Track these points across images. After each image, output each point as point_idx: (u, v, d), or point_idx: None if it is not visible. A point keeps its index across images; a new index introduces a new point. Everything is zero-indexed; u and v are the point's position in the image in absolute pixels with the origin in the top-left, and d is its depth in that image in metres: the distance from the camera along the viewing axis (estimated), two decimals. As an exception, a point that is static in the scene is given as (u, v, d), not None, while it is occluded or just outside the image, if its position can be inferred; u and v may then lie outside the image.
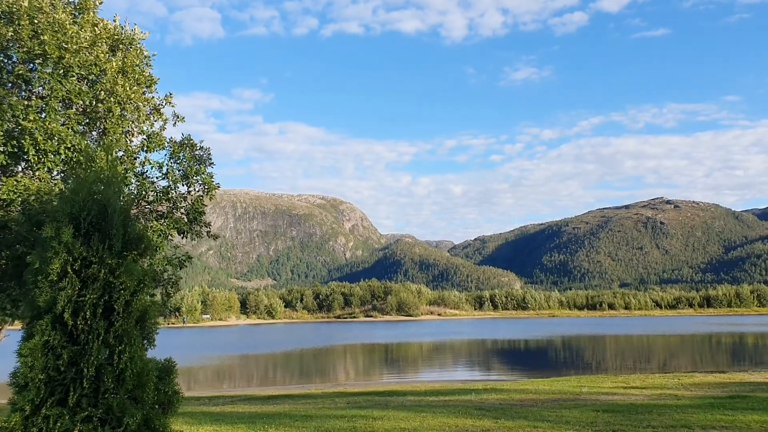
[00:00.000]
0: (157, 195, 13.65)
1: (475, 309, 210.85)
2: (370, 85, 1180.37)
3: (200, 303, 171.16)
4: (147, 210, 13.83)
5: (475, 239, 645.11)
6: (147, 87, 13.67)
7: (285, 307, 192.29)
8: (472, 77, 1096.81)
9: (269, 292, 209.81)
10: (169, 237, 13.71)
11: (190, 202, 14.37)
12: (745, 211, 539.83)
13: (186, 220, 14.31)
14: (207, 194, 14.62)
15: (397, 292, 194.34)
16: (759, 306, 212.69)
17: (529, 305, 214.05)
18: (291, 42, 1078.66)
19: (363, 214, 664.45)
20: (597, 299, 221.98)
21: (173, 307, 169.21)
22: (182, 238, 14.29)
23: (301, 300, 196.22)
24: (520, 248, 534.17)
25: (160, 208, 13.93)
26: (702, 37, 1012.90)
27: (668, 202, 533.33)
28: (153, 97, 13.92)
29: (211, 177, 14.53)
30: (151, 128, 13.99)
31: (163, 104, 14.21)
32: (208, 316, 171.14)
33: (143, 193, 13.14)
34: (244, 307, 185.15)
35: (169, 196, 13.92)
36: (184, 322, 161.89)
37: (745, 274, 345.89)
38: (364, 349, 70.29)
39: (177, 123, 14.44)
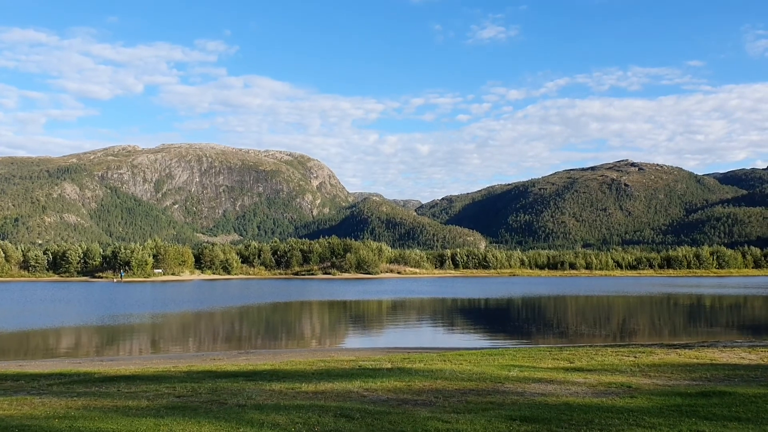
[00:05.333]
0: None
1: (436, 267, 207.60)
2: (336, 40, 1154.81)
3: (151, 257, 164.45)
4: None
5: (442, 199, 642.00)
6: None
7: (242, 262, 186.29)
8: (439, 34, 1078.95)
9: (225, 246, 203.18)
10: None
11: None
12: (707, 174, 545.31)
13: None
14: None
15: (357, 249, 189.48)
16: (718, 268, 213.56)
17: (490, 264, 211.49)
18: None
19: (331, 172, 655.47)
20: (559, 259, 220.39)
21: (123, 260, 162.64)
22: None
23: (259, 256, 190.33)
24: (486, 208, 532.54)
25: None
26: (667, 0, 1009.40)
27: (633, 164, 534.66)
28: None
29: None
30: None
31: None
32: (160, 270, 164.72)
33: None
34: (199, 262, 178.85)
35: None
36: (121, 278, 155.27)
37: (704, 236, 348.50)
38: (305, 306, 65.35)
39: None
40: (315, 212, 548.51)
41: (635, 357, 19.52)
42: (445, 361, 19.75)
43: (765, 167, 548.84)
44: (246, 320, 51.44)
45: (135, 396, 12.79)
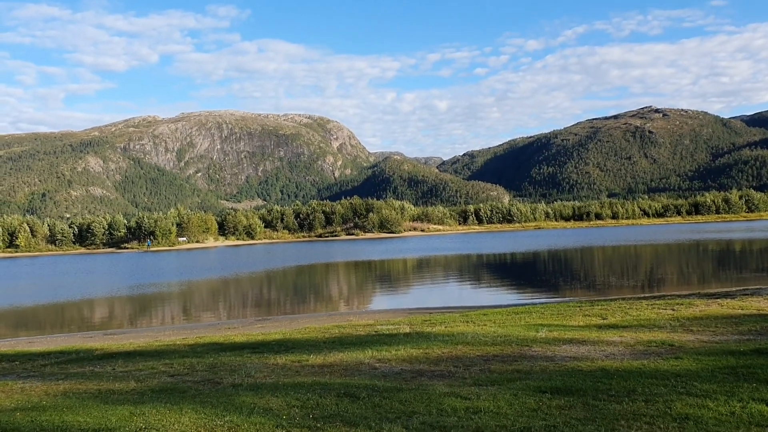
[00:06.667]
0: None
1: (460, 224, 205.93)
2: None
3: (174, 225, 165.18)
4: None
5: (464, 154, 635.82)
6: None
7: (265, 227, 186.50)
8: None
9: (248, 212, 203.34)
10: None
11: None
12: (733, 117, 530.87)
13: None
14: None
15: (379, 208, 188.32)
16: (747, 212, 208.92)
17: (515, 218, 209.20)
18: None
19: (350, 133, 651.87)
20: (584, 210, 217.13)
21: (147, 230, 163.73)
22: None
23: (282, 220, 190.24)
24: (508, 162, 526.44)
25: None
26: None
27: (657, 110, 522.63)
28: None
29: None
30: None
31: None
32: (184, 238, 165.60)
33: None
34: (223, 229, 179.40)
35: None
36: (148, 247, 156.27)
37: (732, 180, 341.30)
38: (327, 268, 64.54)
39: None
40: (337, 174, 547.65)
41: (673, 310, 18.04)
42: (467, 322, 18.47)
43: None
44: (267, 285, 50.73)
45: (126, 377, 11.72)
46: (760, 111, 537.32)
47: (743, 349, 10.91)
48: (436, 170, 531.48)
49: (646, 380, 9.07)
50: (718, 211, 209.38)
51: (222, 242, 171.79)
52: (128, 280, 61.12)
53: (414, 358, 12.06)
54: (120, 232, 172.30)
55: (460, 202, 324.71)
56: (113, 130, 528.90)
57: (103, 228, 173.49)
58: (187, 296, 44.71)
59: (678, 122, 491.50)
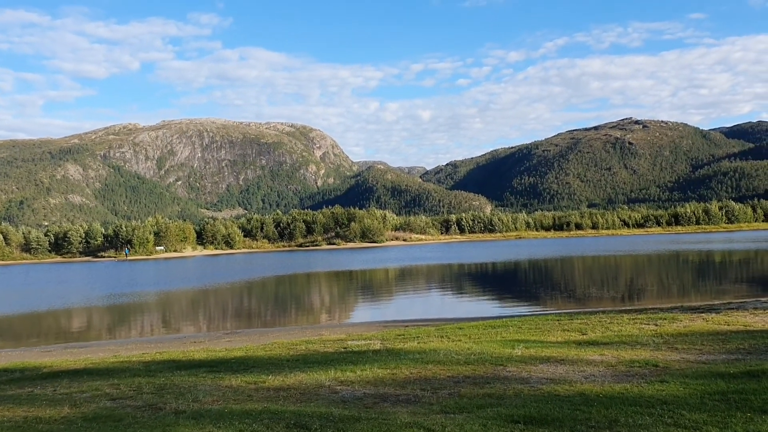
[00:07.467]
0: None
1: (442, 233, 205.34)
2: (331, 7, 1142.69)
3: (152, 234, 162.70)
4: None
5: (447, 164, 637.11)
6: None
7: (245, 236, 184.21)
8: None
9: (227, 221, 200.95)
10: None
11: None
12: (713, 129, 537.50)
13: None
14: None
15: (361, 218, 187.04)
16: (727, 223, 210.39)
17: (496, 228, 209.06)
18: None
19: (334, 142, 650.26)
20: (564, 220, 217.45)
21: (125, 239, 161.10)
22: None
23: (262, 229, 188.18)
24: (491, 172, 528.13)
25: None
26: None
27: (637, 122, 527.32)
28: None
29: None
30: None
31: None
32: (162, 248, 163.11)
33: None
34: (201, 238, 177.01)
35: None
36: (126, 256, 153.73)
37: (711, 192, 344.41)
38: (306, 279, 63.32)
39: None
40: (319, 183, 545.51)
41: (656, 325, 17.28)
42: (442, 337, 17.58)
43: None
44: (242, 296, 49.49)
45: (62, 400, 10.68)
46: (739, 123, 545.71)
47: (733, 371, 10.12)
48: (420, 180, 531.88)
49: (629, 408, 8.24)
50: (698, 222, 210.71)
51: (200, 251, 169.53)
52: (101, 290, 59.52)
53: (380, 379, 11.15)
54: (97, 240, 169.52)
55: (442, 212, 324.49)
56: (93, 137, 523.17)
57: (80, 236, 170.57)
58: (160, 307, 43.39)
59: (658, 134, 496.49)
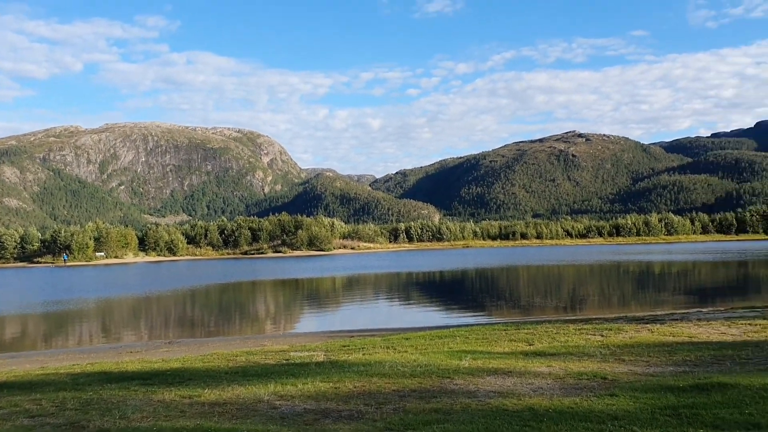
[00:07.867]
0: None
1: (391, 242, 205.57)
2: (281, 13, 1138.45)
3: (92, 240, 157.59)
4: None
5: (396, 173, 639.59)
6: None
7: (188, 243, 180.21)
8: (386, 7, 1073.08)
9: (171, 227, 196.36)
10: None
11: None
12: (653, 143, 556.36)
13: None
14: None
15: (308, 225, 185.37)
16: (666, 234, 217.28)
17: (444, 236, 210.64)
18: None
19: (282, 148, 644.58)
20: (510, 229, 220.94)
21: (63, 244, 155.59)
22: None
23: (206, 236, 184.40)
24: (439, 182, 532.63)
25: None
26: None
27: (580, 135, 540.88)
28: None
29: None
30: None
31: None
32: (102, 253, 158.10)
33: None
34: (143, 244, 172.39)
35: None
36: (64, 262, 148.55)
37: (651, 204, 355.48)
38: (250, 287, 62.03)
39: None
40: (266, 189, 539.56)
41: (602, 336, 17.25)
42: (388, 348, 17.15)
43: (708, 135, 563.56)
44: (185, 304, 48.04)
45: (-27, 420, 9.78)
46: (678, 138, 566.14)
47: (682, 385, 9.98)
48: (369, 188, 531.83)
49: (579, 424, 7.96)
50: (638, 234, 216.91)
51: (142, 258, 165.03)
52: (36, 296, 56.97)
53: (322, 394, 10.63)
54: (33, 245, 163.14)
55: (392, 220, 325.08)
56: (32, 139, 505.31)
57: (15, 241, 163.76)
58: (97, 315, 41.67)
59: (600, 147, 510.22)
